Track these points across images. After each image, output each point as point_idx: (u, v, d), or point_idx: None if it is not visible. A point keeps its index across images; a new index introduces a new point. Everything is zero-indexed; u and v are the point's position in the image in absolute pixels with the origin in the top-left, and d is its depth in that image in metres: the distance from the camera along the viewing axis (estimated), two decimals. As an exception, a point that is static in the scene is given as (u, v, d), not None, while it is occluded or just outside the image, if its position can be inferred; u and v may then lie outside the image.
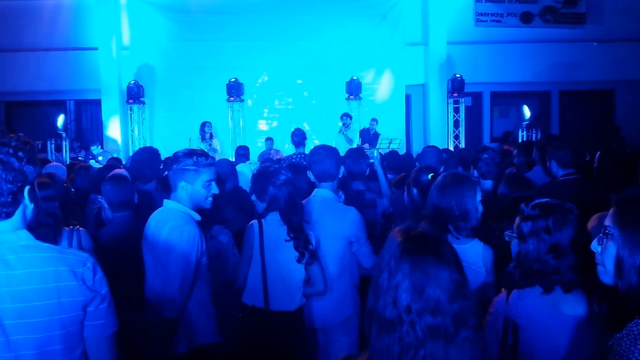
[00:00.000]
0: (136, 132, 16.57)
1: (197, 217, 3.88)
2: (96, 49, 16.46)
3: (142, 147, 9.24)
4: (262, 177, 4.25)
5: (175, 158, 3.89)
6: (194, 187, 3.85)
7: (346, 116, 14.10)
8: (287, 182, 4.15)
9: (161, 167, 5.89)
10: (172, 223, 3.74)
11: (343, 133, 13.59)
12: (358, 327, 4.45)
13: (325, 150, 4.66)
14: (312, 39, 16.58)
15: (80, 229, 4.11)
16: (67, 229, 4.00)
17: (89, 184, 6.35)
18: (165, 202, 3.91)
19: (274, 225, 4.10)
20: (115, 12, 16.70)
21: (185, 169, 3.82)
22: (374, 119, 15.05)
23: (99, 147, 15.11)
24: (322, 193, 4.55)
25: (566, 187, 5.48)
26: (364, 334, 1.92)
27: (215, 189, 3.94)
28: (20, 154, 2.20)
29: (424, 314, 1.85)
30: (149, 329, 3.73)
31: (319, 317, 4.44)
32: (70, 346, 2.36)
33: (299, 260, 4.05)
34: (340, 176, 4.70)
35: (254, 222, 4.18)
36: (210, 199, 3.94)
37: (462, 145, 15.72)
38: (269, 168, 4.29)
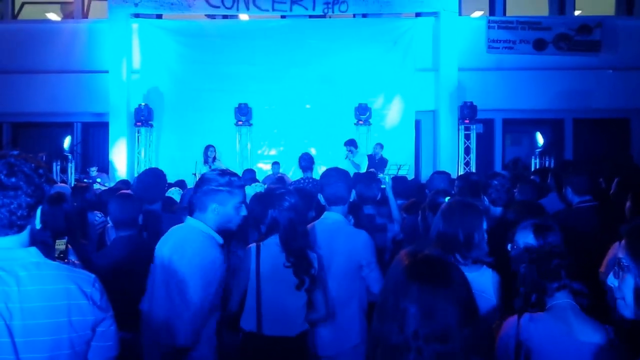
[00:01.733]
0: (142, 154, 16.56)
1: (220, 240, 3.72)
2: (106, 72, 16.57)
3: (147, 168, 9.24)
4: (264, 199, 4.20)
5: (207, 178, 3.77)
6: (226, 209, 3.71)
7: (350, 144, 14.07)
8: (289, 207, 4.08)
9: (166, 188, 5.88)
10: (196, 245, 3.60)
11: (350, 159, 13.59)
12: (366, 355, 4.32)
13: (337, 173, 4.65)
14: (322, 64, 16.64)
15: (76, 261, 4.02)
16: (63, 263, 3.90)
17: (83, 203, 6.34)
18: (189, 220, 3.74)
19: (272, 249, 4.03)
20: (127, 36, 16.83)
21: (218, 190, 3.68)
22: (378, 144, 14.99)
23: (96, 170, 15.08)
24: (333, 216, 4.52)
25: (582, 214, 5.39)
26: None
27: (244, 211, 3.80)
28: (40, 171, 2.28)
29: (432, 340, 1.80)
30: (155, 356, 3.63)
31: (325, 345, 4.35)
32: None
33: (297, 288, 3.97)
34: (351, 200, 4.66)
35: (252, 245, 4.13)
36: (238, 221, 3.82)
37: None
38: (275, 191, 4.23)
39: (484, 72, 17.02)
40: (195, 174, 14.56)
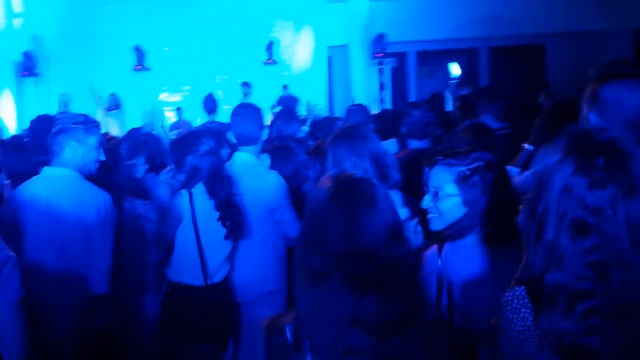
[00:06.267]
0: (32, 107, 15.77)
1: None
2: (-19, 17, 15.61)
3: (38, 115, 8.86)
4: (180, 145, 4.10)
5: (59, 118, 3.72)
6: (85, 148, 3.74)
7: (245, 85, 13.97)
8: (209, 152, 4.06)
9: None
10: (85, 193, 3.70)
11: None
12: (285, 301, 4.34)
13: (247, 111, 4.56)
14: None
15: None
16: None
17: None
18: (47, 169, 3.70)
19: (201, 198, 4.03)
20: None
21: (75, 127, 3.63)
22: (285, 86, 14.91)
23: None
24: (242, 157, 4.43)
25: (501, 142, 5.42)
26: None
27: (102, 155, 3.80)
28: None
29: (355, 261, 1.83)
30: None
31: (241, 290, 4.38)
32: None
33: (227, 237, 4.05)
34: (264, 139, 4.62)
35: (184, 192, 4.07)
36: (97, 164, 3.87)
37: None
38: (190, 135, 4.16)
39: (395, 1, 16.95)
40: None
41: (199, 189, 4.03)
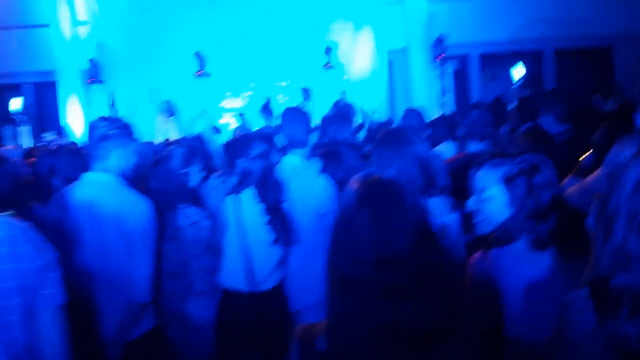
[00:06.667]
0: (98, 114, 16.11)
1: None
2: (47, 25, 16.11)
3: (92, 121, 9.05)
4: (232, 148, 4.10)
5: (100, 125, 3.73)
6: (129, 153, 3.76)
7: (305, 90, 13.95)
8: (260, 155, 4.03)
9: None
10: (131, 200, 3.65)
11: None
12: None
13: (295, 114, 4.54)
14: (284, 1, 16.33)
15: None
16: None
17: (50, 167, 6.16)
18: (93, 175, 3.72)
19: (249, 202, 4.02)
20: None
21: (119, 133, 3.69)
22: (343, 91, 14.91)
23: (54, 134, 14.78)
24: (292, 160, 4.40)
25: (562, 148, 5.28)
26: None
27: (139, 160, 3.90)
28: None
29: (383, 267, 1.81)
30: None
31: (292, 298, 4.33)
32: (27, 317, 2.40)
33: (276, 241, 4.01)
34: (312, 143, 4.59)
35: (231, 197, 4.07)
36: (134, 169, 3.88)
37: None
38: (240, 139, 4.16)
39: (456, 2, 16.75)
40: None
41: (247, 194, 4.02)
